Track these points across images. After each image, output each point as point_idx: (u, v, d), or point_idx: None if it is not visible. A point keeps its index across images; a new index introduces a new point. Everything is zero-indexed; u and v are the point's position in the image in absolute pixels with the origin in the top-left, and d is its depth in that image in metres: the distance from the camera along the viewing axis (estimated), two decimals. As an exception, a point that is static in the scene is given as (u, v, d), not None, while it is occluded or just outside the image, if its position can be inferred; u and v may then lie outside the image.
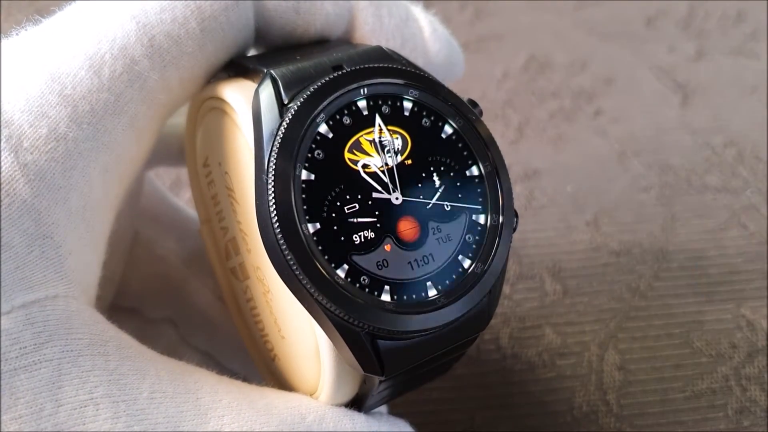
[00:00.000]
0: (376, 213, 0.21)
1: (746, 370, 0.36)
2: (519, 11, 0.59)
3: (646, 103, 0.51)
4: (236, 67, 0.24)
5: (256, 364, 0.28)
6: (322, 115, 0.21)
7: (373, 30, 0.25)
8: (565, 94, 0.52)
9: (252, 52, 0.26)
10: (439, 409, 0.34)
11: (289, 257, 0.19)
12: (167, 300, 0.32)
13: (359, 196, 0.21)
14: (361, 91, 0.21)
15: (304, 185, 0.20)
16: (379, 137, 0.21)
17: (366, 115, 0.21)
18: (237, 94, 0.23)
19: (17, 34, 0.22)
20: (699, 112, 0.50)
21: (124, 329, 0.22)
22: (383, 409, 0.27)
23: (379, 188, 0.21)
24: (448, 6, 0.60)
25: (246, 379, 0.23)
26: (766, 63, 0.54)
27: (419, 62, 0.26)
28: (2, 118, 0.20)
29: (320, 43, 0.25)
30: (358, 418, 0.23)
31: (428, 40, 0.27)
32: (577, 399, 0.35)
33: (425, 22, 0.27)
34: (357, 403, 0.24)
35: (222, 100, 0.23)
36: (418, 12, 0.27)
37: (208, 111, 0.25)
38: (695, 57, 0.55)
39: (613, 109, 0.51)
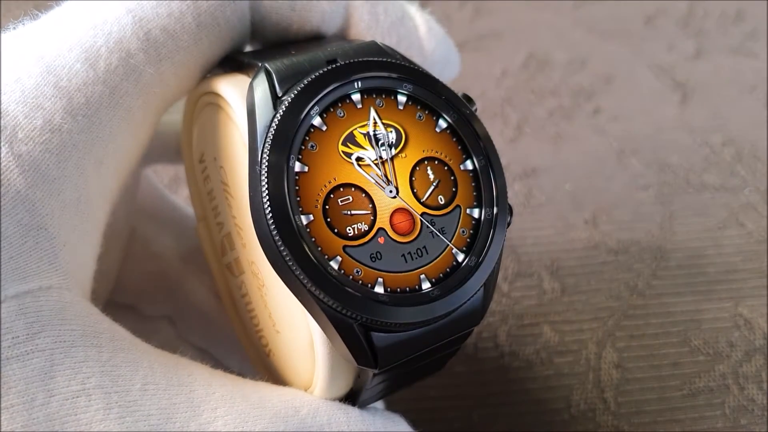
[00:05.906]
0: (370, 206, 0.21)
1: (744, 368, 0.35)
2: (518, 9, 0.59)
3: (645, 101, 0.51)
4: (232, 62, 0.24)
5: (252, 359, 0.28)
6: (315, 107, 0.21)
7: (368, 27, 0.26)
8: (564, 93, 0.52)
9: (248, 48, 0.26)
10: (437, 407, 0.34)
11: (282, 249, 0.19)
12: (164, 297, 0.32)
13: (353, 189, 0.21)
14: (355, 84, 0.21)
15: (297, 177, 0.20)
16: (374, 130, 0.21)
17: (360, 108, 0.21)
18: (231, 88, 0.23)
19: (14, 27, 0.22)
20: (698, 110, 0.50)
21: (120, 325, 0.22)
22: (379, 405, 0.27)
23: (373, 181, 0.21)
24: (448, 4, 0.60)
25: (242, 375, 0.23)
26: (765, 62, 0.54)
27: (415, 60, 0.26)
28: None
29: (315, 39, 0.25)
30: (352, 412, 0.23)
31: (424, 39, 0.27)
32: (574, 397, 0.35)
33: (421, 20, 0.27)
34: (351, 398, 0.24)
35: (217, 95, 0.23)
36: (414, 10, 0.27)
37: (204, 107, 0.25)
38: (694, 56, 0.55)
39: (612, 107, 0.51)
